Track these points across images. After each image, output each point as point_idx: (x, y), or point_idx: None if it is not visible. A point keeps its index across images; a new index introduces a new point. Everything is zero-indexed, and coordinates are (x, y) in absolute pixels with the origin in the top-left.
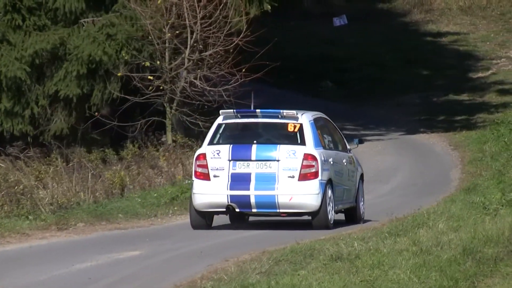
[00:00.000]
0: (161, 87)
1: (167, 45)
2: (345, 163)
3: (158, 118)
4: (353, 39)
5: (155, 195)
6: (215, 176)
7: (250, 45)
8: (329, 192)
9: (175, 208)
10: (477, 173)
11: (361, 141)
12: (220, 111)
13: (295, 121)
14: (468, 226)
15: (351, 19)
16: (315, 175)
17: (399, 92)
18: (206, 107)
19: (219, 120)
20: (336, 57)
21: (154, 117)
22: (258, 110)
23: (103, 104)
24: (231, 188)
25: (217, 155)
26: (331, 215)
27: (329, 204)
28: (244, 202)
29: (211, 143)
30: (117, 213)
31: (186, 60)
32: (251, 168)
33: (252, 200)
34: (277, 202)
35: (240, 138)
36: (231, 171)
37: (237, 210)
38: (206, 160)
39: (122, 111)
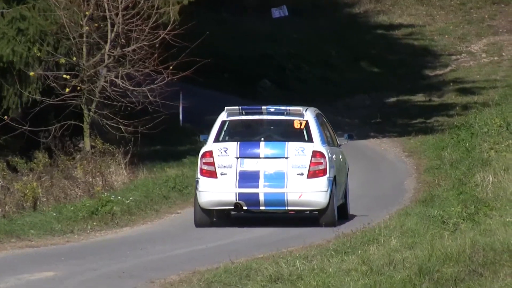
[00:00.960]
0: (79, 87)
1: (84, 39)
2: (340, 159)
3: (74, 122)
4: (295, 34)
5: (72, 208)
6: (222, 174)
7: (178, 40)
8: (335, 189)
9: (94, 223)
10: (434, 182)
11: (351, 136)
12: (225, 107)
13: (301, 118)
14: (425, 242)
15: (293, 11)
16: (323, 172)
17: (347, 93)
18: (129, 109)
19: (223, 117)
20: (275, 53)
21: (70, 121)
22: (263, 107)
23: (18, 108)
24: (240, 186)
25: (224, 153)
26: (336, 212)
27: (335, 201)
28: (253, 200)
29: (216, 140)
30: (28, 229)
31: (106, 57)
32: (260, 166)
33: (261, 198)
34: (286, 199)
35: (246, 135)
36: (239, 168)
37: (245, 207)
38: (212, 157)
39: (34, 114)
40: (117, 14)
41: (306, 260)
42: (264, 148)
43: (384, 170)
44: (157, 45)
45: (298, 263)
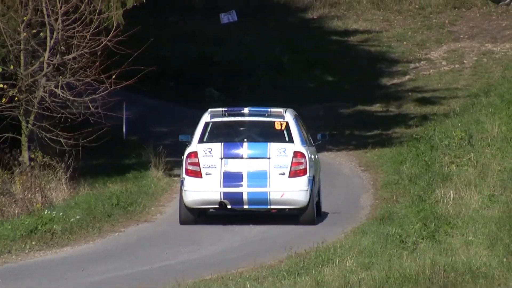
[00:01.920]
0: (16, 97)
1: (22, 47)
2: (316, 158)
3: (11, 135)
4: (245, 39)
5: (9, 227)
6: (207, 174)
7: (121, 47)
8: (314, 188)
9: (33, 242)
10: (392, 199)
11: (324, 136)
12: (209, 109)
13: (281, 119)
14: (382, 262)
15: (242, 15)
16: (304, 171)
17: (299, 101)
18: (69, 120)
19: (206, 118)
20: (223, 60)
21: (8, 133)
22: (245, 109)
23: None
24: (224, 185)
25: (209, 153)
26: (315, 210)
27: (314, 199)
28: (236, 199)
29: (201, 141)
30: None
31: (45, 65)
32: (243, 166)
33: (245, 197)
34: (269, 198)
35: (229, 136)
36: (224, 168)
37: (229, 206)
38: (197, 158)
39: None
40: (56, 20)
41: (257, 282)
42: (247, 149)
43: (339, 186)
44: (99, 53)
45: (248, 285)
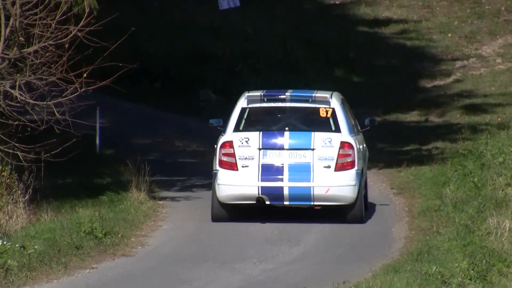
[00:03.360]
0: None
1: None
2: (364, 147)
3: None
4: (249, 29)
5: None
6: (243, 166)
7: (94, 38)
8: (362, 182)
9: None
10: (432, 229)
11: (372, 122)
12: (245, 93)
13: (327, 106)
14: None
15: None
16: (351, 164)
17: None
18: (29, 129)
19: (243, 103)
20: (222, 55)
21: None
22: (287, 93)
23: None
24: (263, 180)
25: (245, 143)
26: (363, 207)
27: (362, 195)
28: (276, 194)
29: (236, 129)
30: None
31: None
32: (284, 158)
33: (286, 192)
34: (313, 194)
35: (269, 124)
36: (262, 160)
37: (268, 202)
38: (233, 148)
39: None
40: (13, 4)
41: None
42: (288, 139)
43: (367, 213)
44: (66, 45)
45: None
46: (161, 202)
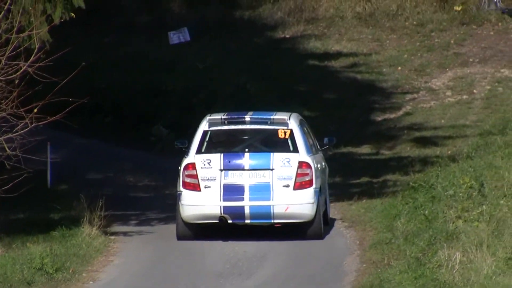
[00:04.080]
0: None
1: None
2: (322, 165)
3: None
4: (200, 63)
5: None
6: (206, 187)
7: (45, 74)
8: (320, 200)
9: None
10: (383, 262)
11: (331, 140)
12: (207, 117)
13: (285, 127)
14: None
15: (196, 34)
16: (310, 183)
17: None
18: None
19: (205, 127)
20: (174, 89)
21: None
22: (247, 116)
23: None
24: (225, 199)
25: (207, 165)
26: (322, 224)
27: (321, 212)
28: (238, 213)
29: (199, 151)
30: None
31: None
32: (245, 178)
33: (247, 211)
34: (273, 212)
35: (229, 146)
36: (224, 181)
37: (230, 221)
38: (195, 169)
39: None
40: None
41: None
42: (248, 160)
43: (317, 246)
44: (17, 81)
45: None
46: (113, 237)
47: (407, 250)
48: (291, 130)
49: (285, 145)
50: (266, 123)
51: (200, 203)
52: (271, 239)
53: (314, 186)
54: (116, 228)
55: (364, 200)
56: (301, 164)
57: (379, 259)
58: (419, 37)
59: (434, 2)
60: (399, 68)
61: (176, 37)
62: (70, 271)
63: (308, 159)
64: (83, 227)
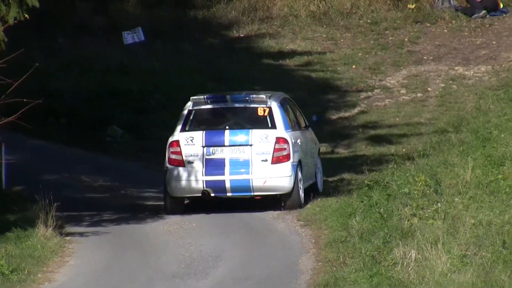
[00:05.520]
0: None
1: None
2: (307, 141)
3: None
4: (155, 63)
5: None
6: (189, 162)
7: None
8: (299, 173)
9: None
10: (339, 261)
11: (319, 117)
12: (191, 97)
13: (264, 105)
14: None
15: (151, 34)
16: (287, 157)
17: None
18: None
19: (189, 106)
20: (129, 91)
21: None
22: (227, 96)
23: None
24: (206, 174)
25: (190, 142)
26: (302, 195)
27: (300, 184)
28: (219, 187)
29: (183, 129)
30: None
31: None
32: (225, 153)
33: (227, 184)
34: (252, 185)
35: (212, 124)
36: (206, 157)
37: (212, 194)
38: (179, 147)
39: None
40: None
41: None
42: (229, 136)
43: (272, 245)
44: None
45: None
46: (68, 238)
47: (363, 248)
48: (270, 108)
49: (264, 122)
50: (246, 102)
51: (184, 178)
52: (226, 238)
53: (291, 160)
54: (72, 229)
55: (319, 199)
56: (278, 139)
57: (335, 258)
58: (373, 36)
59: (388, 0)
60: (354, 66)
61: (131, 37)
62: (26, 272)
63: (285, 134)
64: (38, 228)
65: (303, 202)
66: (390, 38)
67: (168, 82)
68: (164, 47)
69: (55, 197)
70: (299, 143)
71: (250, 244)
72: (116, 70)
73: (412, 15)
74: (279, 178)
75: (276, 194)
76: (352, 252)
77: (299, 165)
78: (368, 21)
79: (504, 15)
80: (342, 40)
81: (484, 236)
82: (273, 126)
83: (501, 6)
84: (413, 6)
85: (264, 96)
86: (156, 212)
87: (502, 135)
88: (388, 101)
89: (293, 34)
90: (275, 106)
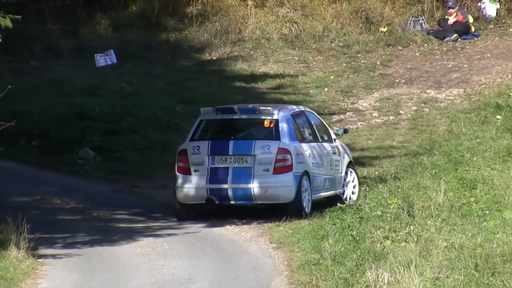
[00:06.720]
0: None
1: None
2: (326, 153)
3: None
4: (127, 87)
5: None
6: (195, 171)
7: None
8: (305, 183)
9: None
10: (311, 283)
11: (346, 131)
12: (201, 108)
13: (270, 117)
14: None
15: (123, 56)
16: (289, 168)
17: None
18: None
19: (201, 116)
20: (100, 113)
21: None
22: (235, 107)
23: None
24: (210, 182)
25: (197, 151)
26: (307, 204)
27: (304, 194)
28: (222, 195)
29: (192, 139)
30: None
31: None
32: (229, 163)
33: (230, 193)
34: (253, 194)
35: (219, 134)
36: (210, 165)
37: (217, 202)
38: (187, 155)
39: None
40: None
41: None
42: (232, 146)
43: (245, 268)
44: None
45: None
46: (40, 260)
47: (335, 271)
48: (276, 120)
49: (269, 133)
50: (253, 113)
51: (190, 185)
52: (199, 261)
53: (293, 171)
54: (44, 251)
55: (291, 221)
56: (280, 150)
57: (307, 280)
58: (345, 59)
59: (360, 23)
60: (326, 89)
61: (103, 59)
62: None
63: (288, 146)
64: (9, 250)
65: (308, 212)
66: (362, 61)
67: (140, 105)
68: (135, 69)
69: (27, 219)
70: (308, 155)
71: (223, 267)
72: (86, 92)
73: (384, 38)
74: (280, 187)
75: (278, 203)
76: (325, 274)
77: (304, 175)
78: (340, 44)
79: (475, 38)
80: (314, 63)
81: (457, 259)
82: (277, 137)
83: (473, 29)
84: (385, 30)
85: (270, 108)
86: (129, 234)
87: (474, 158)
88: (361, 124)
89: (265, 57)
90: (281, 118)
